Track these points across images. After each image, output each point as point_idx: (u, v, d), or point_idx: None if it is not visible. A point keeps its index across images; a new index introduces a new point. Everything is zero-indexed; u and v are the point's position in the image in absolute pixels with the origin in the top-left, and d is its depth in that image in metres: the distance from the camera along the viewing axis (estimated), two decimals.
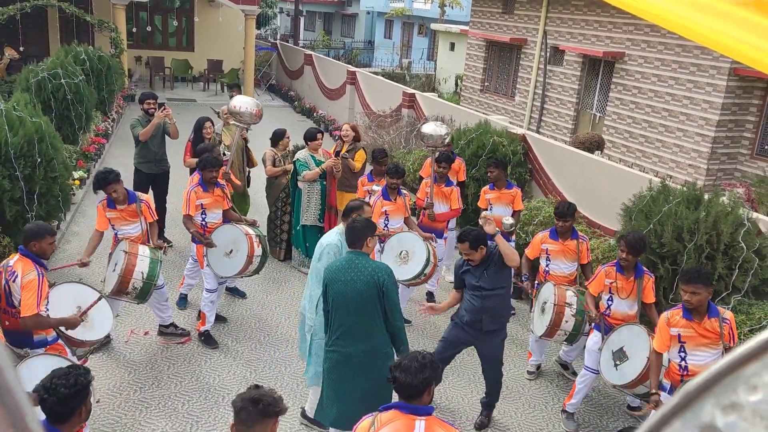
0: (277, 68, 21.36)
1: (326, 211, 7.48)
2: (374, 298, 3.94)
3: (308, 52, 18.90)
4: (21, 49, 14.75)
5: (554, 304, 5.15)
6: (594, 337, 5.02)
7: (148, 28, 18.37)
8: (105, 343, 5.54)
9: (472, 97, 18.64)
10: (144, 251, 5.21)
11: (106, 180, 5.25)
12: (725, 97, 11.45)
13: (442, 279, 7.33)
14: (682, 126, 12.23)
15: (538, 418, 5.24)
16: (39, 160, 6.62)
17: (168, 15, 20.09)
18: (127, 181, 6.00)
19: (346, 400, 4.10)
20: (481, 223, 4.72)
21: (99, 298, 4.63)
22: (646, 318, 5.02)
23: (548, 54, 15.67)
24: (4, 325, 4.09)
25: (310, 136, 7.33)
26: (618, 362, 4.66)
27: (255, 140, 7.75)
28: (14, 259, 4.12)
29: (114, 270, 5.14)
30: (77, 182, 9.05)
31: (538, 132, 15.12)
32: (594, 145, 12.14)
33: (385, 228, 6.12)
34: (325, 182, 7.41)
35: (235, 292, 6.89)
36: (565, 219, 5.44)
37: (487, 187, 6.85)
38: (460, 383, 5.59)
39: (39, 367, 3.57)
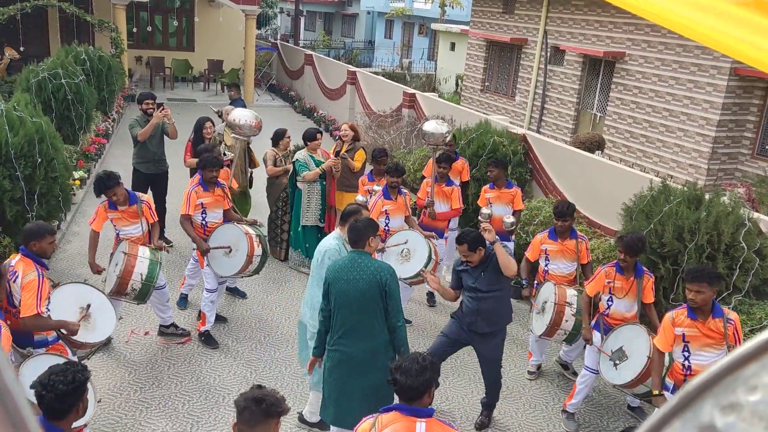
0: (277, 68, 21.37)
1: (326, 211, 7.49)
2: (376, 298, 3.94)
3: (308, 52, 18.90)
4: (21, 49, 14.76)
5: (554, 303, 5.15)
6: (594, 338, 5.01)
7: (149, 28, 18.39)
8: (105, 343, 5.54)
9: (472, 97, 18.64)
10: (144, 252, 5.21)
11: (107, 185, 5.26)
12: (726, 96, 11.45)
13: (442, 279, 7.33)
14: (683, 126, 12.23)
15: (538, 418, 5.24)
16: (39, 160, 6.63)
17: (168, 15, 20.10)
18: (126, 181, 6.00)
19: (348, 399, 4.10)
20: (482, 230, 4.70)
21: (87, 306, 4.54)
22: (646, 318, 5.01)
23: (549, 54, 15.67)
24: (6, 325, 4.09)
25: (309, 137, 7.33)
26: (618, 362, 4.66)
27: (256, 140, 7.75)
28: (15, 260, 4.13)
29: (114, 271, 5.15)
30: (77, 182, 9.06)
31: (538, 132, 15.12)
32: (594, 145, 12.14)
33: (386, 227, 6.12)
34: (324, 182, 7.41)
35: (235, 293, 6.89)
36: (564, 219, 5.44)
37: (487, 186, 6.86)
38: (460, 383, 5.59)
39: (40, 368, 3.56)
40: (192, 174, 7.28)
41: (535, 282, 5.81)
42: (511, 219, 6.38)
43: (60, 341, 4.27)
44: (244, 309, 6.66)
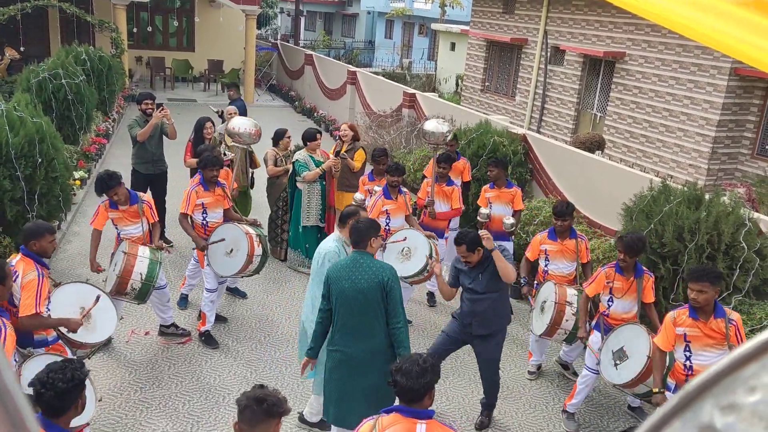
0: (277, 68, 21.37)
1: (326, 211, 7.49)
2: (378, 298, 3.94)
3: (309, 52, 18.90)
4: (22, 49, 14.76)
5: (555, 303, 5.15)
6: (594, 338, 5.02)
7: (149, 29, 18.39)
8: (106, 344, 5.55)
9: (472, 97, 18.64)
10: (144, 252, 5.21)
11: (108, 185, 5.27)
12: (726, 96, 11.45)
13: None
14: (683, 126, 12.23)
15: (538, 419, 5.24)
16: (40, 160, 6.63)
17: (168, 15, 20.10)
18: (126, 181, 6.00)
19: (348, 400, 4.10)
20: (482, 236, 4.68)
21: (95, 303, 4.58)
22: (647, 318, 5.01)
23: (549, 54, 15.67)
24: None
25: (309, 137, 7.32)
26: (618, 362, 4.66)
27: None
28: (16, 259, 4.14)
29: (114, 270, 5.15)
30: (78, 182, 9.06)
31: (538, 132, 15.12)
32: (595, 145, 12.14)
33: (387, 227, 6.13)
34: (324, 182, 7.41)
35: (235, 293, 6.89)
36: (564, 218, 5.44)
37: (488, 186, 6.86)
38: (461, 383, 5.59)
39: (40, 368, 3.57)
40: (192, 174, 7.28)
41: (535, 282, 5.81)
42: (511, 221, 6.39)
43: (59, 341, 4.27)
44: (244, 309, 6.66)
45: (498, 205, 6.71)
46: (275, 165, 7.50)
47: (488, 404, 5.06)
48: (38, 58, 12.12)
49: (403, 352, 3.93)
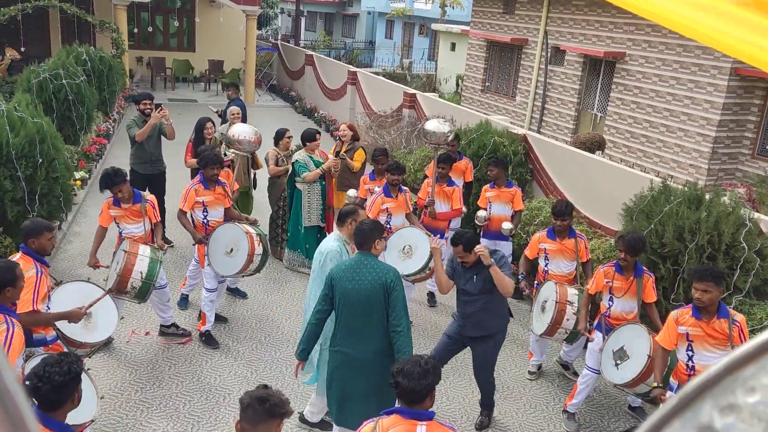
0: (278, 68, 21.38)
1: (326, 211, 7.49)
2: (381, 300, 3.94)
3: (309, 52, 18.91)
4: (22, 49, 14.77)
5: (556, 302, 5.15)
6: (595, 337, 5.02)
7: (150, 29, 18.39)
8: (106, 343, 5.55)
9: (473, 98, 18.65)
10: (144, 251, 5.22)
11: (113, 181, 5.31)
12: (726, 96, 11.45)
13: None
14: (684, 126, 12.23)
15: (539, 419, 5.24)
16: (40, 160, 6.64)
17: (169, 15, 20.11)
18: None
19: (350, 400, 4.11)
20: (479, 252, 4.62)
21: (104, 294, 4.63)
22: (647, 318, 5.01)
23: (549, 54, 15.67)
24: None
25: (309, 137, 7.31)
26: (619, 362, 4.66)
27: None
28: (16, 257, 4.15)
29: (114, 269, 5.16)
30: (78, 182, 9.06)
31: (539, 132, 15.12)
32: (595, 145, 12.15)
33: (387, 225, 6.13)
34: (324, 182, 7.41)
35: (236, 293, 6.89)
36: (563, 218, 5.44)
37: (488, 185, 6.86)
38: (461, 383, 5.59)
39: None
40: (193, 175, 7.29)
41: (536, 282, 5.81)
42: (510, 226, 6.39)
43: (58, 341, 4.27)
44: (244, 309, 6.66)
45: (498, 205, 6.71)
46: (276, 165, 7.50)
47: (487, 404, 5.06)
48: (39, 58, 12.13)
49: (402, 358, 3.88)
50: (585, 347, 5.37)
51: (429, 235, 5.94)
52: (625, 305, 4.90)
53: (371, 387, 4.04)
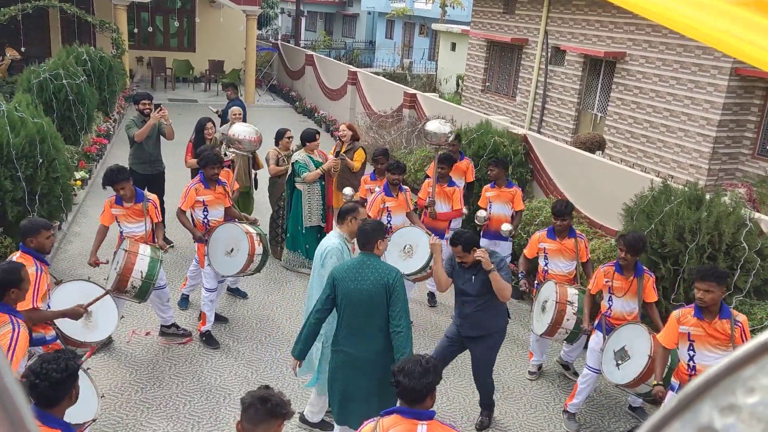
0: (278, 69, 21.38)
1: (325, 211, 7.49)
2: (383, 300, 3.94)
3: (309, 52, 18.92)
4: (22, 49, 14.77)
5: (556, 302, 5.15)
6: (596, 337, 5.02)
7: (150, 29, 18.40)
8: (106, 344, 5.56)
9: (473, 98, 18.65)
10: (145, 250, 5.22)
11: (116, 178, 5.32)
12: (726, 96, 11.45)
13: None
14: (684, 126, 12.22)
15: (539, 419, 5.24)
16: (41, 160, 6.64)
17: (169, 15, 20.11)
18: None
19: (352, 400, 4.11)
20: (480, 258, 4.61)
21: (105, 293, 4.63)
22: (648, 318, 5.01)
23: (549, 54, 15.67)
24: None
25: (308, 137, 7.30)
26: (620, 362, 4.66)
27: None
28: (15, 256, 4.17)
29: (115, 268, 5.16)
30: (79, 183, 9.07)
31: (539, 132, 15.12)
32: (595, 145, 12.14)
33: (388, 224, 6.14)
34: (323, 182, 7.41)
35: (236, 293, 6.89)
36: (563, 218, 5.44)
37: (488, 185, 6.87)
38: (461, 383, 5.59)
39: None
40: (193, 176, 7.28)
41: (536, 282, 5.81)
42: (509, 227, 6.40)
43: (57, 341, 4.28)
44: (245, 309, 6.66)
45: (498, 205, 6.71)
46: (277, 164, 7.50)
47: (487, 405, 5.06)
48: (39, 58, 12.13)
49: (401, 358, 3.88)
50: (585, 347, 5.37)
51: (429, 234, 5.94)
52: (626, 305, 4.90)
53: (373, 387, 4.04)
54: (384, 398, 3.91)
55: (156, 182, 7.74)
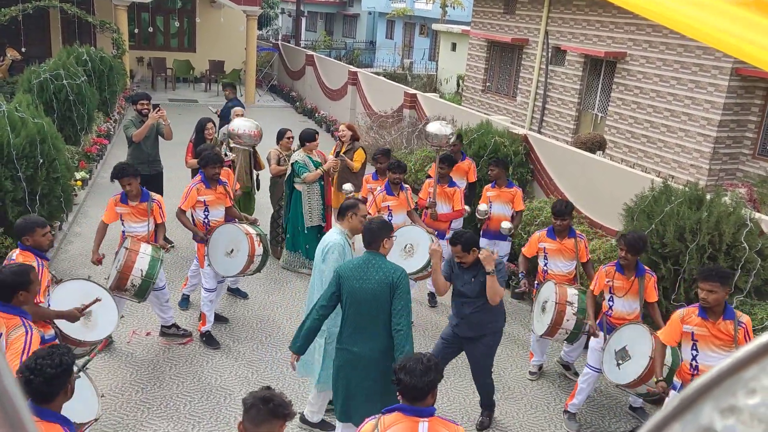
0: (278, 69, 21.39)
1: (325, 211, 7.49)
2: (387, 299, 3.94)
3: (310, 52, 18.92)
4: (23, 50, 14.78)
5: (555, 303, 5.15)
6: (597, 337, 5.01)
7: (150, 29, 18.41)
8: (107, 344, 5.55)
9: (473, 98, 18.64)
10: (145, 249, 5.22)
11: (125, 171, 5.35)
12: (727, 97, 11.44)
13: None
14: (684, 126, 12.22)
15: (539, 419, 5.24)
16: (41, 160, 6.64)
17: (170, 16, 20.12)
18: None
19: (354, 398, 4.12)
20: (481, 258, 4.62)
21: (95, 300, 4.56)
22: (649, 318, 5.01)
23: (550, 54, 15.66)
24: None
25: (308, 137, 7.30)
26: (620, 362, 4.66)
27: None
28: (15, 254, 4.19)
29: (115, 266, 5.17)
30: (79, 183, 9.07)
31: (539, 132, 15.12)
32: (596, 145, 12.14)
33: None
34: (323, 182, 7.41)
35: (237, 293, 6.89)
36: (563, 218, 5.44)
37: (489, 185, 6.87)
38: (462, 383, 5.58)
39: None
40: (193, 176, 7.28)
41: (536, 282, 5.81)
42: (509, 225, 6.40)
43: (56, 340, 4.27)
44: (245, 309, 6.66)
45: (498, 205, 6.72)
46: (278, 164, 7.50)
47: (488, 405, 5.05)
48: (39, 58, 12.13)
49: (400, 356, 3.89)
50: (586, 347, 5.37)
51: (431, 234, 5.94)
52: (627, 305, 4.90)
53: (377, 385, 4.04)
54: (387, 396, 3.91)
55: (154, 182, 7.73)
